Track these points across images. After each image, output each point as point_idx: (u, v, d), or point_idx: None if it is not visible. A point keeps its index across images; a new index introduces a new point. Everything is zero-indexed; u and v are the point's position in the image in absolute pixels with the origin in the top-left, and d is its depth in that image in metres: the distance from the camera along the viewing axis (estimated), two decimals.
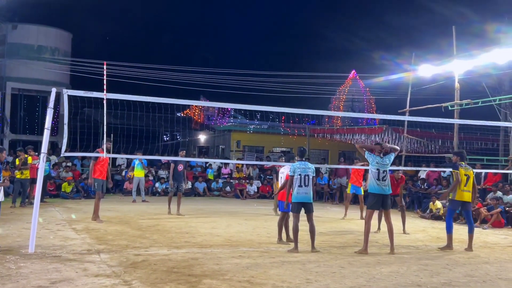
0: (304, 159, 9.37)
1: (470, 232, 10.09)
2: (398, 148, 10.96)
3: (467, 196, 10.01)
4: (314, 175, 9.32)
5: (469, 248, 9.93)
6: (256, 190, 23.13)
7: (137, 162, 18.85)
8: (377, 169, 9.40)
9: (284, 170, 10.13)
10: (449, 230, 9.96)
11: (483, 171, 16.89)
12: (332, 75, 30.42)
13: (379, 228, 12.19)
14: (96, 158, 12.16)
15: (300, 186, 9.07)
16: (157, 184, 22.42)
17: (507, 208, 14.77)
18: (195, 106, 36.34)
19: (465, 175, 9.97)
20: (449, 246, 9.84)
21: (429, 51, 22.76)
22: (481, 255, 9.46)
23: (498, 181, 16.59)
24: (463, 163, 10.15)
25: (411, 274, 7.42)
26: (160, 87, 26.03)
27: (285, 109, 11.36)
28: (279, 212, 10.92)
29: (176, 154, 15.25)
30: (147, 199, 19.04)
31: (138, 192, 18.87)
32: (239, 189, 22.80)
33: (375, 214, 10.36)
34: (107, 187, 20.49)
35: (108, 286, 5.96)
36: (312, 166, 9.29)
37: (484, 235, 12.78)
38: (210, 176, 24.09)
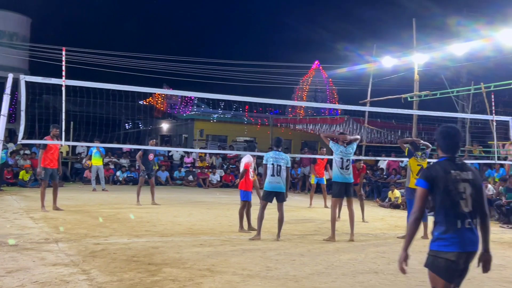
0: (279, 149, 9.39)
1: (425, 220, 10.34)
2: (359, 137, 11.17)
3: None
4: (289, 165, 9.33)
5: (425, 235, 10.20)
6: (219, 179, 23.13)
7: (94, 150, 18.55)
8: (341, 158, 9.57)
9: (243, 160, 10.20)
10: (424, 218, 10.16)
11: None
12: (296, 65, 30.57)
13: (338, 217, 12.39)
14: (45, 146, 11.68)
15: (272, 175, 9.11)
16: (118, 173, 22.16)
17: None
18: (158, 94, 35.98)
19: (418, 165, 10.22)
20: (425, 235, 10.07)
21: (391, 43, 23.15)
22: None
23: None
24: (418, 153, 10.40)
25: (369, 261, 7.59)
26: (122, 74, 25.69)
27: (248, 98, 11.41)
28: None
29: (138, 143, 15.20)
30: (107, 188, 18.81)
31: (99, 181, 18.61)
32: (202, 178, 22.76)
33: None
34: (65, 175, 20.26)
35: (66, 275, 5.89)
36: (286, 156, 9.31)
37: None
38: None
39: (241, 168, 10.24)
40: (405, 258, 3.89)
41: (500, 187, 14.16)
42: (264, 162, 9.31)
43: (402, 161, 19.82)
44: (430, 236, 9.38)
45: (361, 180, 13.24)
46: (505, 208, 13.33)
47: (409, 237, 3.90)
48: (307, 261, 7.32)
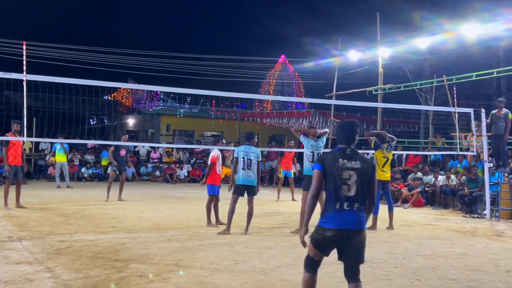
0: (250, 143, 9.38)
1: (390, 211, 10.54)
2: (328, 130, 11.27)
3: (385, 176, 10.46)
4: (260, 159, 9.32)
5: (390, 226, 10.38)
6: (186, 174, 23.02)
7: (58, 146, 18.24)
8: (312, 152, 9.64)
9: (211, 154, 10.22)
10: (375, 211, 10.29)
11: (405, 152, 17.63)
12: (262, 60, 30.59)
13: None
14: (7, 143, 11.40)
15: (243, 169, 9.10)
16: (83, 169, 21.82)
17: (427, 188, 15.52)
18: (123, 89, 35.52)
19: (384, 157, 10.42)
20: (373, 227, 10.21)
21: (356, 37, 23.44)
22: (401, 233, 9.91)
23: (419, 162, 17.37)
24: (384, 145, 10.55)
25: (335, 252, 7.64)
26: (86, 68, 25.28)
27: (215, 92, 11.35)
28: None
29: (103, 138, 15.07)
30: (72, 184, 18.50)
31: (63, 178, 18.29)
32: (169, 173, 22.61)
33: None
34: (29, 172, 19.84)
35: (30, 273, 5.77)
36: (256, 150, 9.30)
37: (405, 214, 13.38)
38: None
39: (208, 162, 10.23)
40: (305, 232, 4.39)
41: (463, 178, 14.49)
42: (235, 156, 9.32)
43: (368, 153, 20.10)
44: (394, 227, 9.53)
45: None
46: (468, 198, 13.65)
47: (308, 213, 4.36)
48: (274, 254, 7.35)
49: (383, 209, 10.51)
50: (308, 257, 4.47)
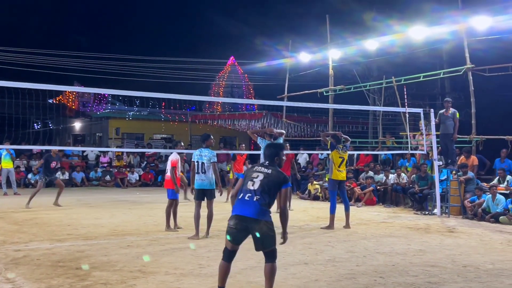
0: (204, 146, 9.26)
1: (347, 210, 10.72)
2: (284, 131, 11.37)
3: (341, 175, 10.68)
4: (214, 160, 9.17)
5: (347, 225, 10.57)
6: (137, 178, 22.65)
7: (4, 152, 17.58)
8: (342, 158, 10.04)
9: (170, 157, 10.11)
10: (332, 211, 10.44)
11: (356, 152, 17.98)
12: (212, 61, 30.52)
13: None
14: None
15: (197, 173, 9.01)
16: (29, 175, 21.10)
17: (378, 187, 15.89)
18: (69, 92, 34.59)
19: (340, 157, 10.60)
20: (330, 226, 10.36)
21: (307, 38, 23.60)
22: (358, 232, 10.11)
23: (370, 161, 17.75)
24: (340, 146, 10.73)
25: (297, 253, 7.74)
26: (29, 72, 24.50)
27: (165, 95, 11.17)
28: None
29: (49, 143, 14.65)
30: (19, 191, 17.87)
31: (10, 185, 17.63)
32: (120, 177, 22.17)
33: None
34: None
35: None
36: (209, 153, 9.18)
37: (359, 212, 13.66)
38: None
39: (168, 166, 10.10)
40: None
41: (413, 176, 14.91)
42: (193, 159, 9.22)
43: (322, 153, 20.41)
44: (351, 226, 9.70)
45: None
46: (418, 195, 14.07)
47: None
48: (238, 256, 7.23)
49: (339, 208, 10.66)
50: (224, 248, 5.20)
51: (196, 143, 30.66)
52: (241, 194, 5.09)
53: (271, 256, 5.16)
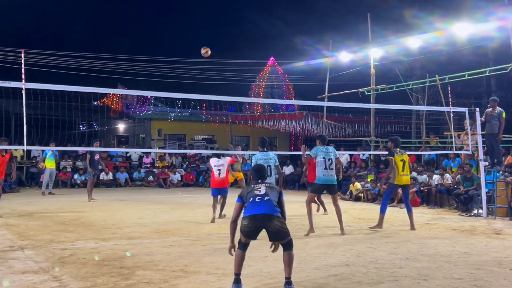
0: (265, 150, 9.55)
1: (409, 212, 10.59)
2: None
3: (405, 179, 10.60)
4: (277, 164, 9.65)
5: (412, 227, 10.41)
6: (179, 179, 22.95)
7: (49, 153, 18.13)
8: (323, 158, 9.81)
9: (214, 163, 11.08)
10: (383, 210, 10.37)
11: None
12: (252, 62, 30.59)
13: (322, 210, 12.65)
14: None
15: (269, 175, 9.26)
16: (75, 176, 21.67)
17: (422, 188, 15.60)
18: (113, 94, 35.29)
19: (401, 160, 10.49)
20: (379, 225, 10.27)
21: (347, 37, 23.39)
22: (401, 233, 9.95)
23: (413, 162, 17.43)
24: (397, 149, 10.63)
25: (338, 255, 7.69)
26: (73, 75, 25.10)
27: (206, 96, 11.35)
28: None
29: (92, 144, 15.45)
30: (66, 191, 18.39)
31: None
32: (162, 178, 22.52)
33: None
34: (21, 180, 19.74)
35: (37, 282, 5.71)
36: (273, 156, 9.52)
37: (402, 214, 13.40)
38: None
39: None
40: (231, 247, 5.70)
41: (458, 176, 14.58)
42: (253, 164, 9.47)
43: (364, 154, 20.21)
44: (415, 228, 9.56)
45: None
46: (463, 196, 13.74)
47: (231, 233, 5.70)
48: (278, 257, 7.29)
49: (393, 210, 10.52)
50: (239, 240, 5.66)
51: (237, 144, 30.80)
52: (251, 199, 5.60)
53: (288, 246, 5.58)
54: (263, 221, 5.47)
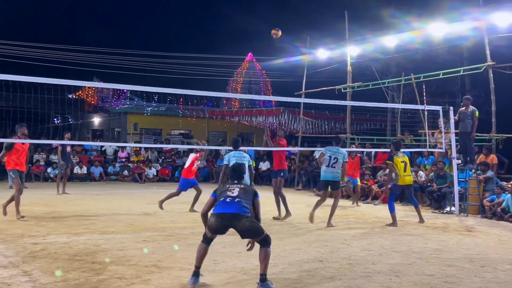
0: (238, 150, 9.67)
1: (416, 207, 11.23)
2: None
3: (408, 180, 11.06)
4: (250, 163, 9.72)
5: (421, 220, 11.03)
6: (155, 174, 22.77)
7: None
8: (329, 156, 10.42)
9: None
10: (392, 210, 10.75)
11: (373, 150, 17.84)
12: (230, 57, 30.49)
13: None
14: (11, 147, 10.29)
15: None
16: (49, 169, 21.35)
17: None
18: (88, 87, 34.87)
19: (402, 162, 10.90)
20: (394, 223, 10.60)
21: (325, 34, 23.41)
22: (375, 230, 10.05)
23: (387, 159, 17.55)
24: (398, 152, 11.03)
25: (312, 251, 7.72)
26: (49, 67, 24.69)
27: (182, 90, 11.21)
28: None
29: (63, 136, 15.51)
30: (38, 185, 18.12)
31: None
32: (138, 172, 22.32)
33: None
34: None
35: (7, 277, 5.60)
36: (247, 156, 9.77)
37: (376, 210, 13.58)
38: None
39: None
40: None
41: (431, 174, 14.75)
42: (225, 163, 9.52)
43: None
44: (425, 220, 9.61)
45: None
46: (436, 194, 13.92)
47: (205, 223, 5.86)
48: (252, 253, 7.31)
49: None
50: (204, 233, 5.76)
51: (214, 139, 30.74)
52: (223, 198, 5.73)
53: (264, 242, 5.62)
54: (230, 220, 5.56)
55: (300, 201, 14.36)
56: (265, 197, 15.29)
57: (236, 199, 5.67)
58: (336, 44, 20.77)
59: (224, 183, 6.50)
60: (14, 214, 10.10)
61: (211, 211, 5.81)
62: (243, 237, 5.72)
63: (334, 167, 10.35)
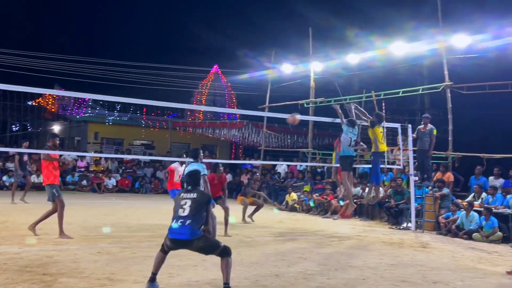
0: (197, 161, 9.37)
1: (378, 183, 12.12)
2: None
3: (384, 147, 11.88)
4: (204, 173, 9.26)
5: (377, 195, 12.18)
6: (114, 184, 22.43)
7: None
8: (350, 138, 11.16)
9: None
10: (377, 182, 11.93)
11: (335, 165, 17.98)
12: (195, 69, 30.46)
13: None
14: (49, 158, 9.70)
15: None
16: (4, 178, 20.78)
17: (355, 200, 15.89)
18: (49, 94, 34.17)
19: (381, 132, 11.71)
20: (376, 196, 12.05)
21: (289, 50, 23.68)
22: (332, 245, 10.13)
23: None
24: (379, 123, 11.77)
25: (269, 265, 7.71)
26: (7, 73, 24.19)
27: (146, 101, 11.18)
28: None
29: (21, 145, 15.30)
30: None
31: None
32: (96, 182, 21.92)
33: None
34: None
35: None
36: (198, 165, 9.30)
37: (335, 225, 13.70)
38: None
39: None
40: None
41: (389, 190, 14.99)
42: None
43: (301, 165, 20.45)
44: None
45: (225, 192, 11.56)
46: (394, 210, 14.14)
47: None
48: (209, 266, 7.26)
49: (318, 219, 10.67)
50: (163, 245, 5.91)
51: (176, 150, 30.48)
52: (175, 220, 5.79)
53: (224, 253, 5.78)
54: (184, 246, 5.80)
55: (261, 214, 14.34)
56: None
57: (187, 222, 5.71)
58: (300, 60, 21.01)
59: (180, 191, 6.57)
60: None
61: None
62: (200, 253, 5.88)
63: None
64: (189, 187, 6.17)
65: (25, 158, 16.16)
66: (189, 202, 5.86)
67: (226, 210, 10.90)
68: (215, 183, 11.01)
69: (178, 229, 5.71)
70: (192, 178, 6.34)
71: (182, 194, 6.02)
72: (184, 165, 11.54)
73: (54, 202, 9.58)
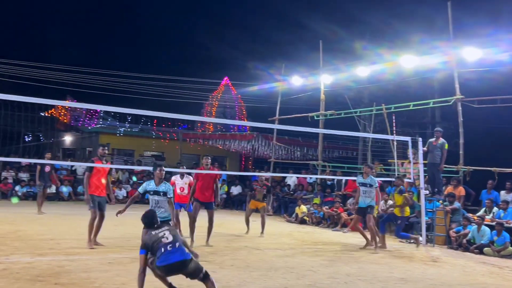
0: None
1: (382, 232, 12.51)
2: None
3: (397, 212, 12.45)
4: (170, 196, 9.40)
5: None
6: (125, 195, 22.51)
7: None
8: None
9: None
10: (382, 231, 12.44)
11: (344, 178, 18.00)
12: (205, 81, 30.60)
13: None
14: (91, 169, 9.93)
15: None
16: (17, 187, 20.95)
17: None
18: (61, 106, 34.48)
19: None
20: (383, 245, 11.84)
21: (299, 63, 23.76)
22: (342, 257, 10.10)
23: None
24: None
25: (279, 277, 7.73)
26: (22, 84, 24.44)
27: (157, 113, 11.23)
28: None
29: (39, 156, 15.23)
30: (5, 203, 17.77)
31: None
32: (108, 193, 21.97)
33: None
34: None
35: None
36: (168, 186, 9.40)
37: (345, 238, 13.66)
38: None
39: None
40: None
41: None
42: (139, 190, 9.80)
43: (310, 177, 20.45)
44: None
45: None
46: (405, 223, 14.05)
47: (140, 285, 5.85)
48: (218, 277, 7.29)
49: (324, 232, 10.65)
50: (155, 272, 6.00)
51: (186, 162, 30.58)
52: (163, 249, 5.70)
53: (206, 276, 5.80)
54: (180, 269, 5.72)
55: (270, 227, 14.33)
56: (235, 220, 15.33)
57: (177, 244, 5.76)
58: (310, 72, 21.08)
59: (145, 233, 6.47)
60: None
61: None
62: (191, 278, 5.84)
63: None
64: (155, 226, 6.17)
65: (47, 169, 16.24)
66: (166, 232, 5.88)
67: (211, 219, 10.76)
68: (203, 175, 10.85)
69: (172, 254, 5.67)
70: (149, 219, 6.30)
71: (153, 232, 5.98)
72: (184, 178, 11.71)
73: (95, 210, 10.00)
